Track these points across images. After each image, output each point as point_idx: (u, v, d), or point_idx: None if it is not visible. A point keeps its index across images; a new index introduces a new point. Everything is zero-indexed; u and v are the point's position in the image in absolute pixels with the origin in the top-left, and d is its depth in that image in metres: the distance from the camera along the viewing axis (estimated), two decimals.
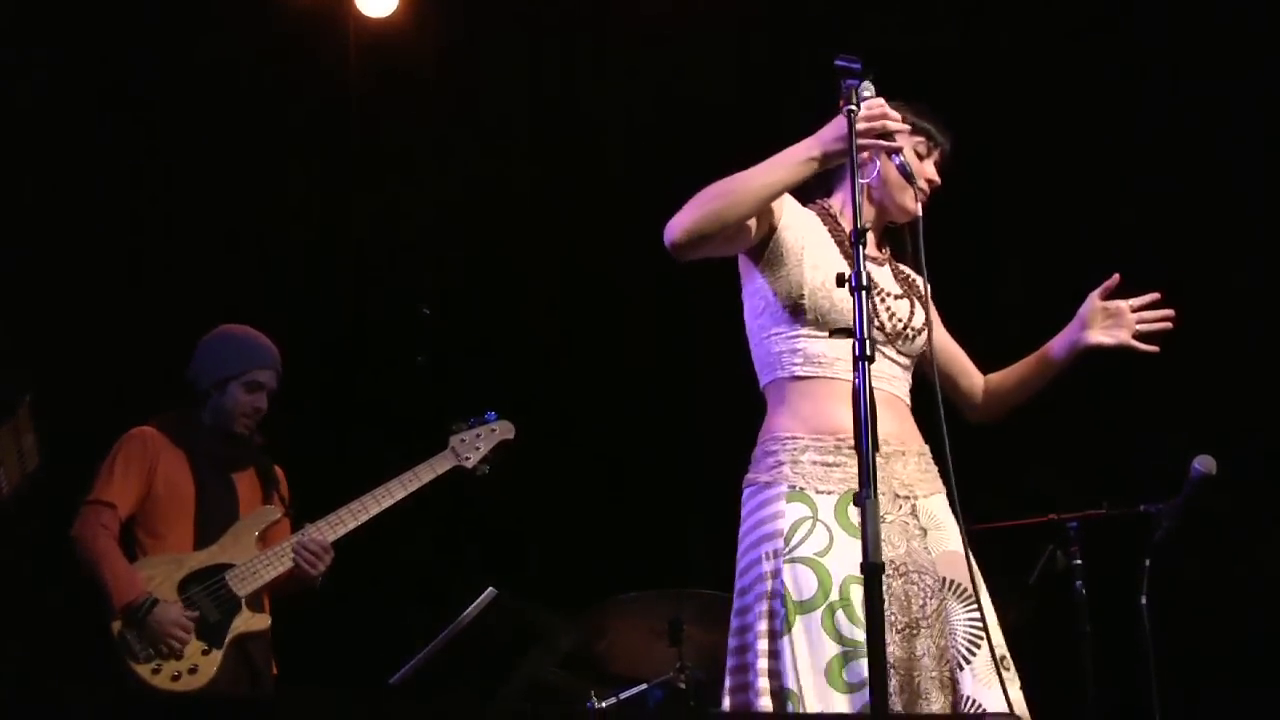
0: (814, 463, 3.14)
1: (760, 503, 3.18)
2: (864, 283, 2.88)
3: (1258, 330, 5.40)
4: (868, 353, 2.86)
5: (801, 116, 3.27)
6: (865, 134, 3.04)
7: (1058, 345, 3.46)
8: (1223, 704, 5.20)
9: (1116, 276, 3.39)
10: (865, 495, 2.80)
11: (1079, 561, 4.35)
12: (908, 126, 3.26)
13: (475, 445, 4.66)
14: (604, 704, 4.77)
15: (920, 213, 3.22)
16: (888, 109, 3.09)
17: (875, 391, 3.10)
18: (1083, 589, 4.33)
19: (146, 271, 5.86)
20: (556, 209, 6.43)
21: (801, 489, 3.12)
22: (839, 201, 3.39)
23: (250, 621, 4.38)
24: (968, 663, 3.06)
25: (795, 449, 3.15)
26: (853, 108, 3.04)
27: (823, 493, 3.12)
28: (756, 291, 3.30)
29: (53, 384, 4.91)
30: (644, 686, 4.86)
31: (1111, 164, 5.73)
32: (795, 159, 3.12)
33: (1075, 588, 4.33)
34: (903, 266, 3.44)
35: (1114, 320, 3.40)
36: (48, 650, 4.80)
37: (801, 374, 3.20)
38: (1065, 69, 5.79)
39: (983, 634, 3.08)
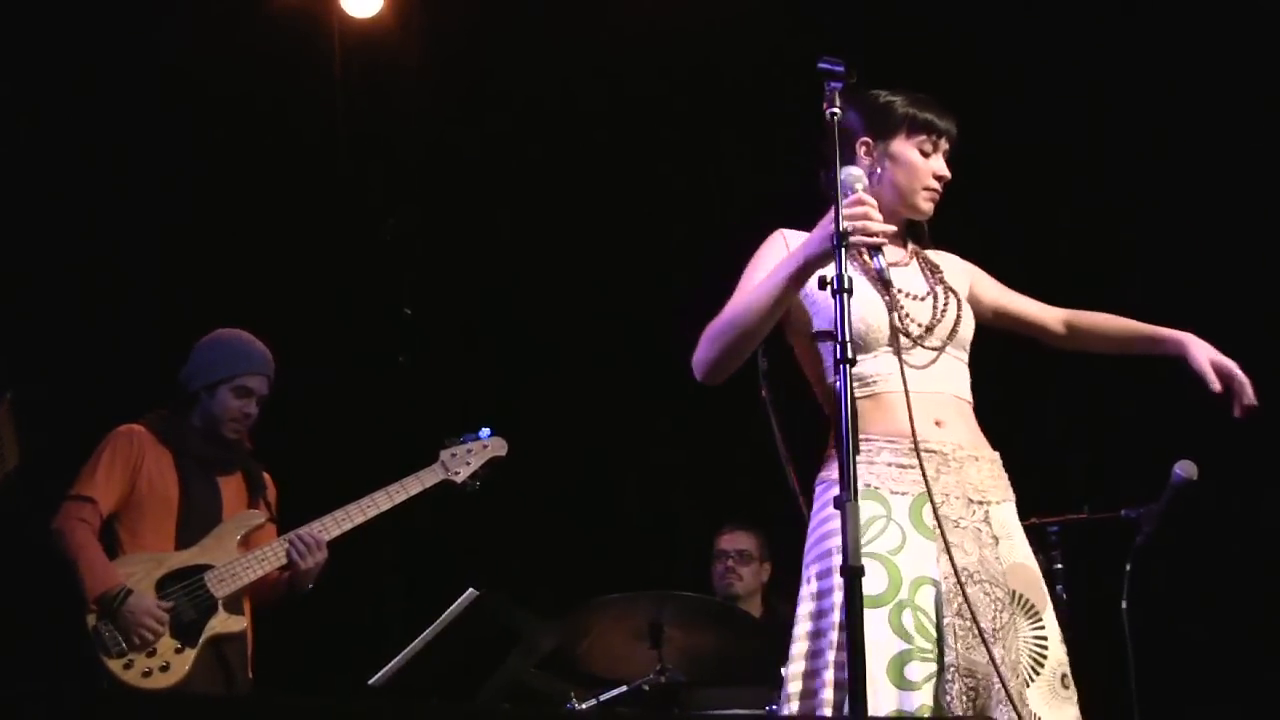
0: (889, 464, 3.16)
1: (834, 499, 3.14)
2: (844, 286, 2.91)
3: (1243, 334, 5.40)
4: (849, 355, 2.89)
5: (795, 116, 3.27)
6: (851, 231, 3.01)
7: (1164, 343, 3.43)
8: (1202, 709, 5.21)
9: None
10: (844, 499, 2.82)
11: (1060, 566, 4.36)
12: (892, 228, 3.21)
13: (465, 460, 4.66)
14: (584, 705, 4.77)
15: (929, 213, 3.31)
16: (869, 208, 3.05)
17: (940, 396, 3.21)
18: (1063, 593, 4.33)
19: (133, 270, 5.84)
20: (544, 209, 6.43)
21: (876, 488, 3.14)
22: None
23: (226, 623, 4.36)
24: (1033, 680, 3.10)
25: (870, 450, 3.16)
26: (835, 110, 3.06)
27: (897, 494, 3.14)
28: (798, 332, 3.32)
29: (35, 383, 4.90)
30: (624, 688, 4.85)
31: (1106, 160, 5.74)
32: (787, 274, 3.12)
33: (1056, 592, 4.33)
34: (931, 256, 3.43)
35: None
36: (27, 648, 4.78)
37: (861, 395, 3.16)
38: None
39: (1046, 651, 3.14)
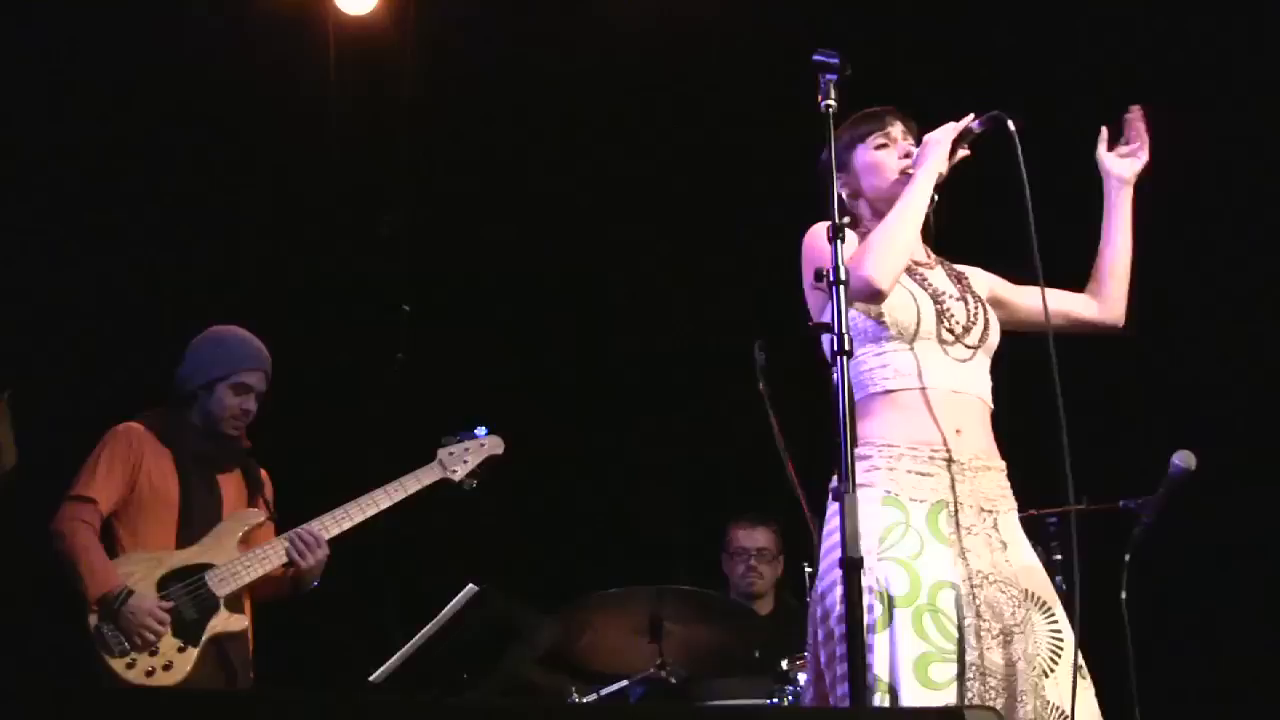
0: (909, 471, 3.21)
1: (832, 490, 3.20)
2: (841, 278, 2.95)
3: (1240, 325, 5.41)
4: (846, 347, 2.94)
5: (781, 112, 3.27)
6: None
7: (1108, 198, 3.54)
8: (1202, 700, 5.21)
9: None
10: (844, 490, 2.84)
11: (1058, 557, 4.35)
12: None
13: (463, 459, 4.67)
14: (584, 700, 4.77)
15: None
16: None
17: (967, 398, 3.28)
18: (1062, 584, 4.33)
19: (129, 267, 5.83)
20: (539, 206, 6.42)
21: (896, 495, 3.19)
22: (869, 221, 3.45)
23: (228, 622, 4.36)
24: (1052, 671, 3.18)
25: (891, 456, 3.22)
26: (830, 103, 3.08)
27: (915, 500, 3.19)
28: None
29: (34, 381, 4.90)
30: (624, 683, 4.85)
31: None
32: (929, 180, 3.29)
33: (1056, 583, 4.32)
34: (954, 265, 3.50)
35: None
36: (28, 648, 4.78)
37: (893, 387, 3.26)
38: None
39: (1063, 645, 3.21)
